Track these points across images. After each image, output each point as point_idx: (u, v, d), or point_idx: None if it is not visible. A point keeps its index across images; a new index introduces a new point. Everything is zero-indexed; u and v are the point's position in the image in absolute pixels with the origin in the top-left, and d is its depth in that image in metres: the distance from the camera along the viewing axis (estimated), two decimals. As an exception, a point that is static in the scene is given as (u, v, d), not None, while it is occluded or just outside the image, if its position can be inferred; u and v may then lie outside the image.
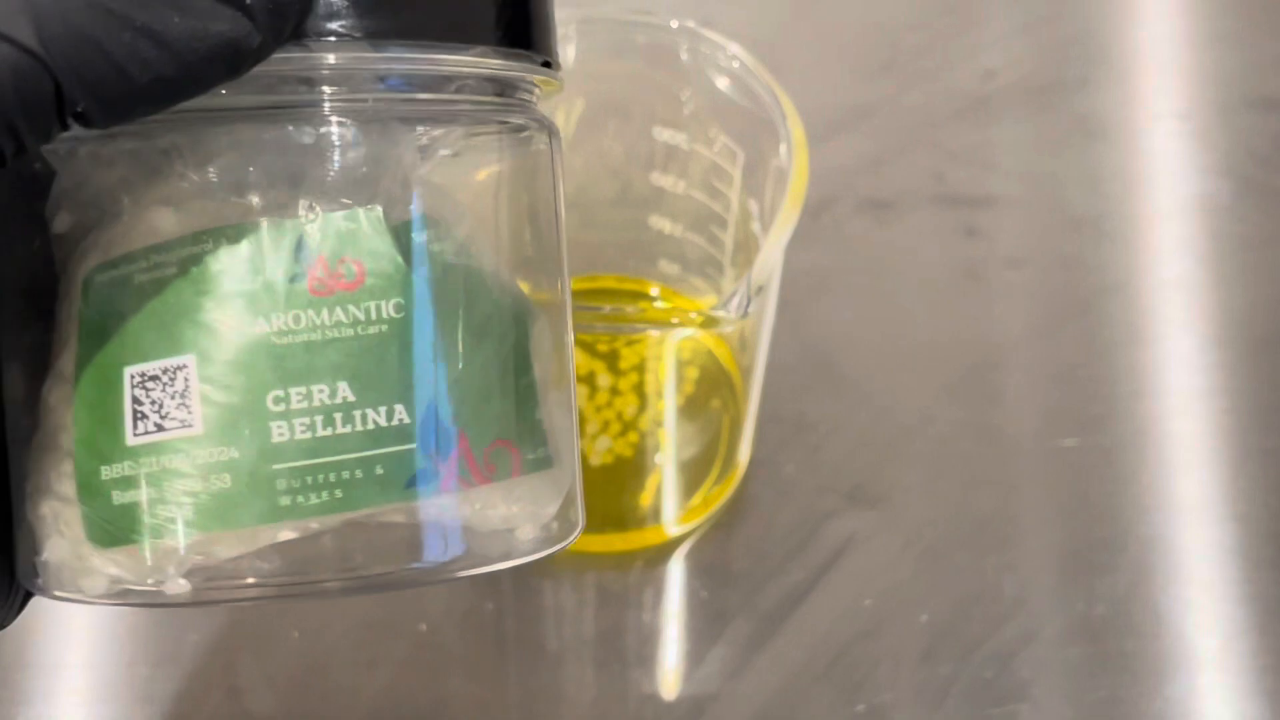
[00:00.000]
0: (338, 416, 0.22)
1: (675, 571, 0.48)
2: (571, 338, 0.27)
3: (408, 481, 0.22)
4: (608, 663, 0.46)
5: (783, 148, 0.42)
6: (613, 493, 0.48)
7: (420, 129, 0.24)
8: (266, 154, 0.23)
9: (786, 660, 0.46)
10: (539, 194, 0.26)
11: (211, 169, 0.23)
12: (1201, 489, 0.50)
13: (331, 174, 0.23)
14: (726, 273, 0.48)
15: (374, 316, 0.22)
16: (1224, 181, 0.60)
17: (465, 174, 0.25)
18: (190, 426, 0.22)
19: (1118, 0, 0.69)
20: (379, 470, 0.22)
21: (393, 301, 0.22)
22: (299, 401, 0.22)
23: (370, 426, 0.22)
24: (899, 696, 0.45)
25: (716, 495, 0.49)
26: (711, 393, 0.50)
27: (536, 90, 0.26)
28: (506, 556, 0.24)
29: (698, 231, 0.48)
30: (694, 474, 0.49)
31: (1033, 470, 0.51)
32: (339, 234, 0.23)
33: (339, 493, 0.22)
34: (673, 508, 0.49)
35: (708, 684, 0.45)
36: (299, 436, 0.22)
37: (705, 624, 0.47)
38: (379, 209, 0.23)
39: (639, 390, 0.47)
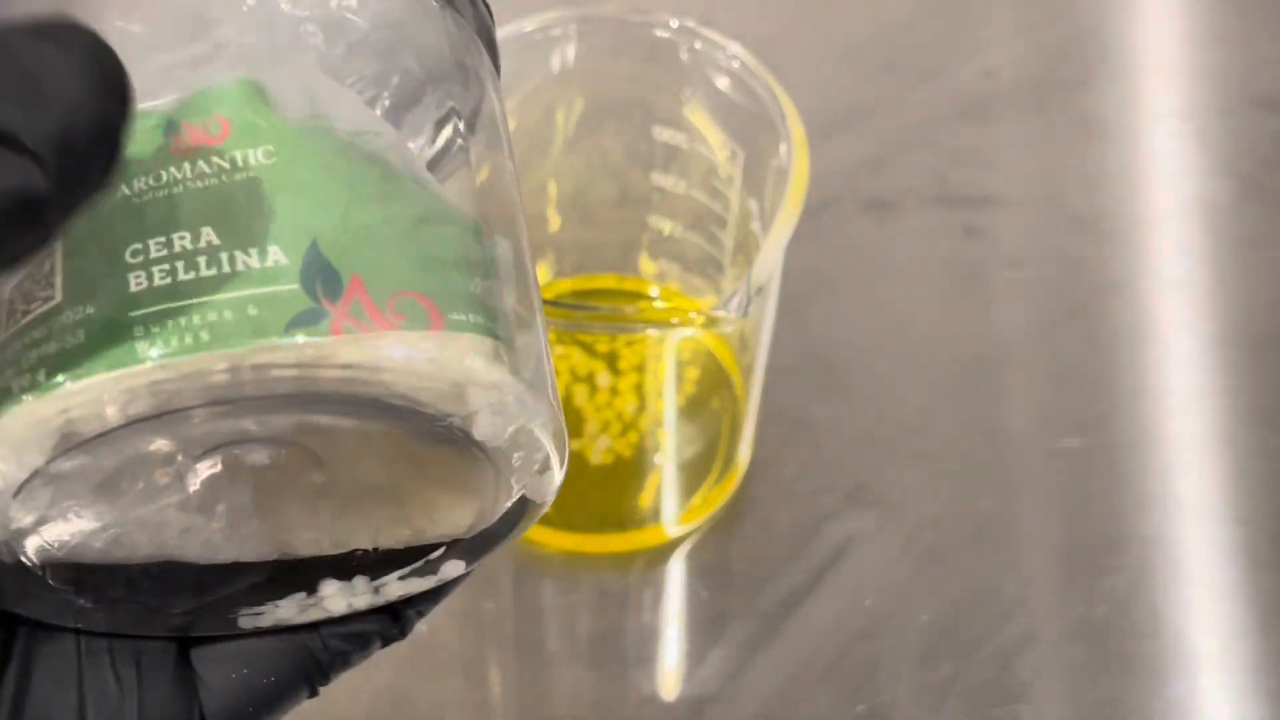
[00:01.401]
0: (201, 260, 0.21)
1: (675, 572, 0.48)
2: (530, 262, 0.25)
3: (289, 322, 0.21)
4: (607, 663, 0.46)
5: (783, 148, 0.42)
6: (613, 493, 0.48)
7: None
8: (158, 20, 0.22)
9: (786, 661, 0.46)
10: (471, 76, 0.25)
11: None
12: (1202, 489, 0.50)
13: (216, 50, 0.22)
14: (726, 273, 0.48)
15: (240, 164, 0.21)
16: (1224, 181, 0.60)
17: (378, 43, 0.24)
18: (52, 299, 0.21)
19: (1118, 0, 0.69)
20: (251, 310, 0.20)
21: (261, 148, 0.22)
22: (158, 250, 0.21)
23: (239, 268, 0.21)
24: (899, 697, 0.45)
25: (716, 495, 0.49)
26: (711, 393, 0.50)
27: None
28: (453, 407, 0.22)
29: (698, 231, 0.48)
30: (694, 474, 0.49)
31: (1033, 470, 0.51)
32: (206, 103, 0.22)
33: (205, 335, 0.20)
34: (673, 508, 0.49)
35: (707, 684, 0.45)
36: (158, 283, 0.21)
37: (705, 624, 0.47)
38: (246, 78, 0.22)
39: (639, 390, 0.47)
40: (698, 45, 0.45)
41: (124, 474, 0.22)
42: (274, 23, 0.23)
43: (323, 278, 0.21)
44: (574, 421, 0.47)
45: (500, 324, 0.23)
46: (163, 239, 0.21)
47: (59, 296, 0.21)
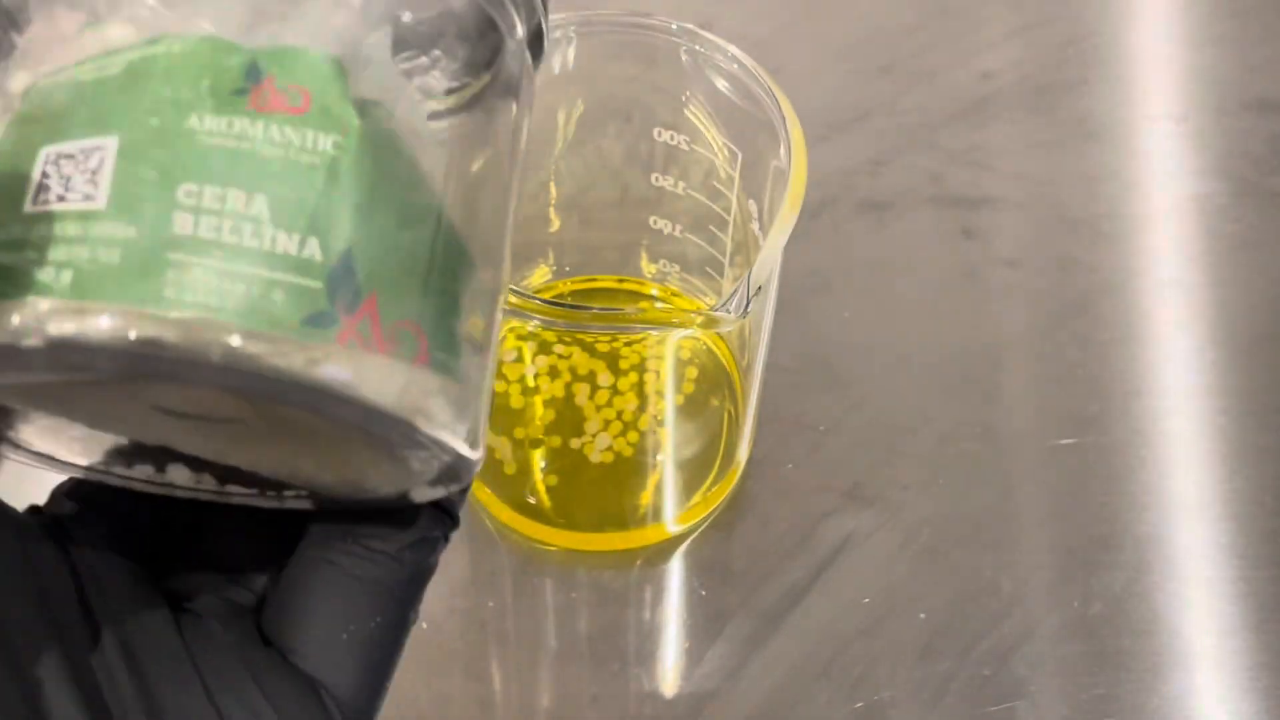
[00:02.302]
0: (247, 227, 0.21)
1: (675, 570, 0.48)
2: (503, 295, 0.26)
3: (305, 318, 0.21)
4: (607, 661, 0.46)
5: (782, 148, 0.42)
6: (613, 492, 0.48)
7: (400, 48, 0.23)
8: None
9: (785, 658, 0.46)
10: (516, 105, 0.26)
11: None
12: (1198, 487, 0.51)
13: (316, 14, 0.23)
14: (726, 273, 0.48)
15: (309, 145, 0.22)
16: (1220, 182, 0.60)
17: (453, 61, 0.25)
18: (93, 200, 0.21)
19: (1115, 2, 0.69)
20: (276, 295, 0.21)
21: (332, 138, 0.22)
22: (211, 201, 0.21)
23: (279, 250, 0.21)
24: (897, 694, 0.45)
25: (716, 494, 0.49)
26: (711, 392, 0.50)
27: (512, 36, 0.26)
28: (401, 441, 0.23)
29: (698, 232, 0.48)
30: (694, 473, 0.49)
31: (1030, 469, 0.51)
32: (295, 65, 0.22)
33: (229, 303, 0.21)
34: (672, 506, 0.49)
35: (707, 682, 0.46)
36: (202, 234, 0.21)
37: (704, 622, 0.47)
38: (341, 59, 0.22)
39: (639, 390, 0.47)
40: (697, 47, 0.45)
41: (89, 389, 0.22)
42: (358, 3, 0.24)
43: (346, 287, 0.21)
44: (574, 420, 0.47)
45: (464, 362, 0.24)
46: (219, 190, 0.21)
47: (101, 202, 0.21)
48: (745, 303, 0.38)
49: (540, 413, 0.48)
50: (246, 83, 0.22)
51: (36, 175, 0.21)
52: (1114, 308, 0.56)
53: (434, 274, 0.23)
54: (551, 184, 0.50)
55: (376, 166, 0.22)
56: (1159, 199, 0.60)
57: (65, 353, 0.20)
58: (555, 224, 0.51)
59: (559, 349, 0.47)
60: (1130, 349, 0.55)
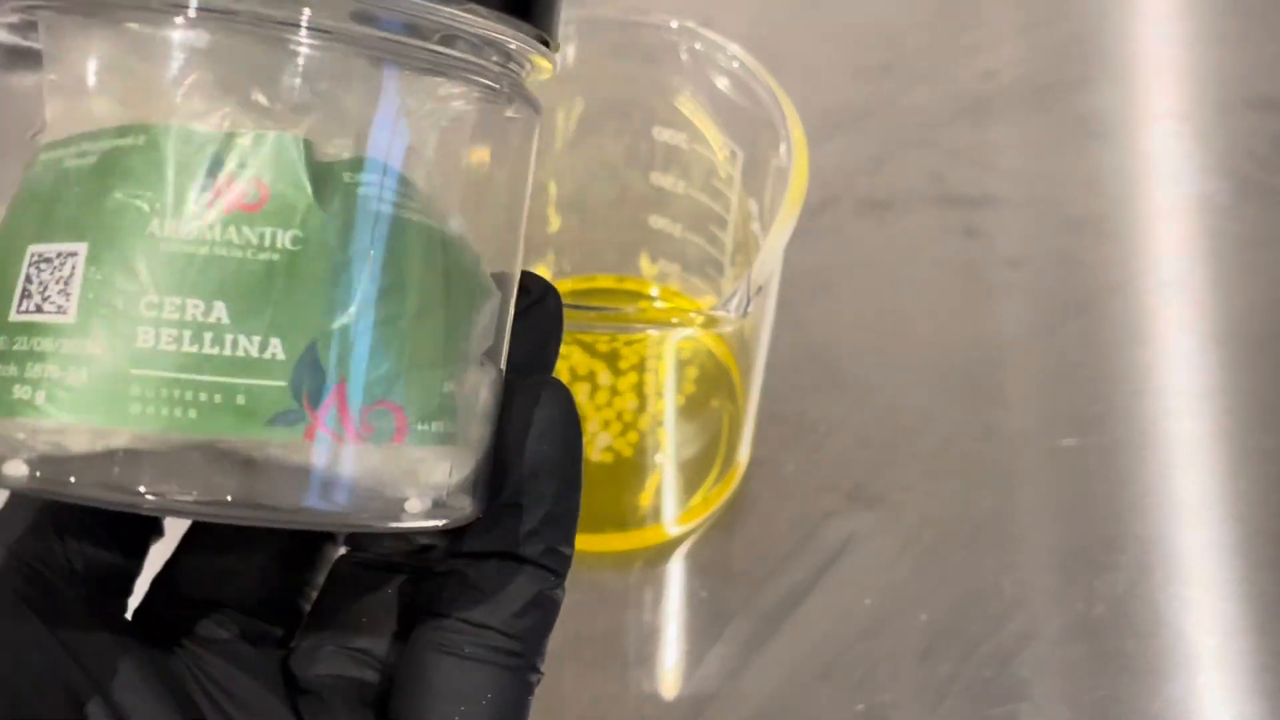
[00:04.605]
0: (207, 336, 0.21)
1: (675, 571, 0.48)
2: (509, 329, 0.26)
3: (270, 418, 0.21)
4: (607, 662, 0.46)
5: (783, 148, 0.42)
6: (613, 492, 0.48)
7: (389, 73, 0.23)
8: (219, 61, 0.22)
9: (786, 660, 0.46)
10: (512, 170, 0.26)
11: (161, 63, 0.22)
12: (1200, 488, 0.50)
13: (274, 95, 0.22)
14: (726, 273, 0.48)
15: (267, 243, 0.22)
16: (1223, 181, 0.60)
17: (438, 136, 0.25)
18: (64, 313, 0.21)
19: (1118, 1, 0.69)
20: (240, 400, 0.21)
21: (290, 233, 0.22)
22: (172, 312, 0.21)
23: (240, 354, 0.21)
24: (898, 696, 0.45)
25: (716, 495, 0.49)
26: (711, 392, 0.50)
27: (527, 65, 0.26)
28: (382, 519, 0.23)
29: (698, 231, 0.48)
30: (694, 473, 0.49)
31: (1032, 470, 0.51)
32: (254, 154, 0.22)
33: (193, 413, 0.21)
34: (673, 507, 0.49)
35: (707, 683, 0.45)
36: (164, 347, 0.21)
37: (705, 623, 0.47)
38: (302, 139, 0.22)
39: (639, 390, 0.47)
40: (697, 46, 0.45)
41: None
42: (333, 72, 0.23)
43: (310, 381, 0.22)
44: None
45: (461, 419, 0.24)
46: (178, 300, 0.21)
47: (71, 316, 0.21)
48: (745, 303, 0.38)
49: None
50: (207, 178, 0.22)
51: (21, 279, 0.22)
52: (1116, 307, 0.56)
53: (406, 347, 0.23)
54: (551, 183, 0.50)
55: (339, 252, 0.22)
56: (1161, 198, 0.60)
57: (40, 481, 0.21)
58: (555, 224, 0.51)
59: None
60: (1133, 349, 0.55)
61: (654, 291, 0.51)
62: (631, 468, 0.48)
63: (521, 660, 0.26)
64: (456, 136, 0.25)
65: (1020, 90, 0.64)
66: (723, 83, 0.45)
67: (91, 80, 0.23)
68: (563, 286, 0.52)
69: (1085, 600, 0.47)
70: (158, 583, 0.28)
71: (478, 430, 0.24)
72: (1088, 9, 0.68)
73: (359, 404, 0.22)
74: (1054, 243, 0.58)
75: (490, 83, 0.25)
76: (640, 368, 0.47)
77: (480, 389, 0.24)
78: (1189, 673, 0.46)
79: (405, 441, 0.23)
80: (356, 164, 0.23)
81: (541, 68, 0.26)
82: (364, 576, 0.27)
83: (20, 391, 0.21)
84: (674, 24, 0.45)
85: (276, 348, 0.22)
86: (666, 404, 0.48)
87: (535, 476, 0.25)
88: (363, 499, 0.23)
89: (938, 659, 0.46)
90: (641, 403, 0.47)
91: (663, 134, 0.47)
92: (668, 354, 0.47)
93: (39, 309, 0.22)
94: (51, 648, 0.24)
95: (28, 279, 0.22)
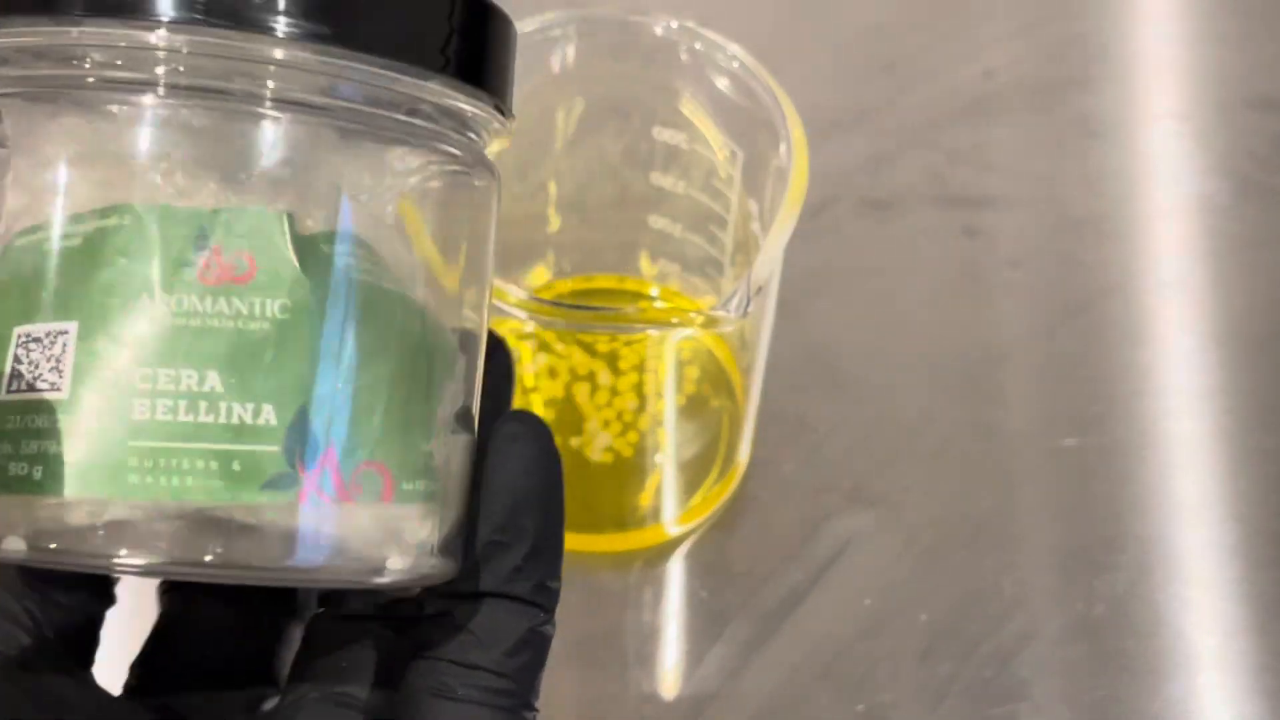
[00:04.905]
0: (202, 405, 0.22)
1: (675, 571, 0.48)
2: (479, 388, 0.26)
3: (264, 483, 0.22)
4: (608, 663, 0.46)
5: (783, 148, 0.42)
6: (612, 492, 0.48)
7: (357, 144, 0.24)
8: (194, 138, 0.23)
9: (786, 660, 0.46)
10: (474, 235, 0.26)
11: (138, 144, 0.23)
12: (1200, 488, 0.50)
13: (252, 170, 0.23)
14: (726, 273, 0.48)
15: (257, 313, 0.22)
16: (1223, 182, 0.60)
17: (401, 201, 0.25)
18: (58, 390, 0.22)
19: (1118, 0, 0.69)
20: (235, 466, 0.22)
21: (278, 302, 0.23)
22: (166, 383, 0.22)
23: (234, 421, 0.22)
24: (898, 696, 0.45)
25: (716, 495, 0.49)
26: (711, 392, 0.50)
27: (485, 133, 0.26)
28: (368, 578, 0.24)
29: (698, 231, 0.48)
30: (694, 473, 0.49)
31: (1032, 470, 0.51)
32: (239, 228, 0.23)
33: (190, 480, 0.22)
34: (673, 507, 0.49)
35: (707, 684, 0.45)
36: (160, 418, 0.22)
37: (705, 624, 0.47)
38: (285, 212, 0.23)
39: (639, 390, 0.47)
40: (697, 45, 0.45)
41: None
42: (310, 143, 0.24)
43: (302, 445, 0.22)
44: (574, 420, 0.47)
45: (440, 477, 0.24)
46: (172, 372, 0.22)
47: (65, 392, 0.22)
48: (745, 303, 0.38)
49: (540, 412, 0.48)
50: (194, 254, 0.22)
51: (10, 360, 0.22)
52: (1116, 307, 0.56)
53: (390, 409, 0.24)
54: (551, 183, 0.49)
55: (333, 321, 0.23)
56: (1161, 198, 0.60)
57: (37, 553, 0.22)
58: (555, 224, 0.51)
59: (559, 349, 0.47)
60: (1133, 349, 0.55)
61: (654, 291, 0.51)
62: (631, 468, 0.48)
63: (515, 699, 0.26)
64: (422, 204, 0.25)
65: (1020, 90, 0.64)
66: (723, 83, 0.45)
67: (66, 165, 0.23)
68: (563, 286, 0.52)
69: (1085, 600, 0.47)
70: (139, 661, 0.29)
71: (456, 487, 0.25)
72: (1088, 9, 0.68)
73: (349, 465, 0.23)
74: (1054, 243, 0.58)
75: (454, 150, 0.25)
76: (640, 368, 0.47)
77: (457, 446, 0.25)
78: (1189, 673, 0.46)
79: (392, 500, 0.23)
80: (330, 236, 0.23)
81: (498, 137, 0.27)
82: (342, 629, 0.27)
83: (16, 468, 0.22)
84: (674, 24, 0.45)
85: (269, 413, 0.22)
86: (666, 404, 0.48)
87: (519, 511, 0.26)
88: (348, 557, 0.23)
89: (938, 659, 0.46)
90: (641, 403, 0.47)
91: (663, 134, 0.47)
92: (668, 354, 0.47)
93: (31, 387, 0.22)
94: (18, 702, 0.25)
95: (16, 359, 0.22)
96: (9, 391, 0.22)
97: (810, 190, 0.41)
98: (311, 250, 0.23)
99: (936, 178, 0.60)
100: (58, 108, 0.23)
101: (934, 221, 0.58)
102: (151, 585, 0.30)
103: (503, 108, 0.26)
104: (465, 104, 0.25)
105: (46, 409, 0.22)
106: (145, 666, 0.29)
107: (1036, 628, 0.47)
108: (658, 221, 0.49)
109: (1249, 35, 0.66)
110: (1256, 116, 0.63)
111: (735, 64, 0.44)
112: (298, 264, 0.23)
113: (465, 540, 0.25)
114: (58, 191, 0.23)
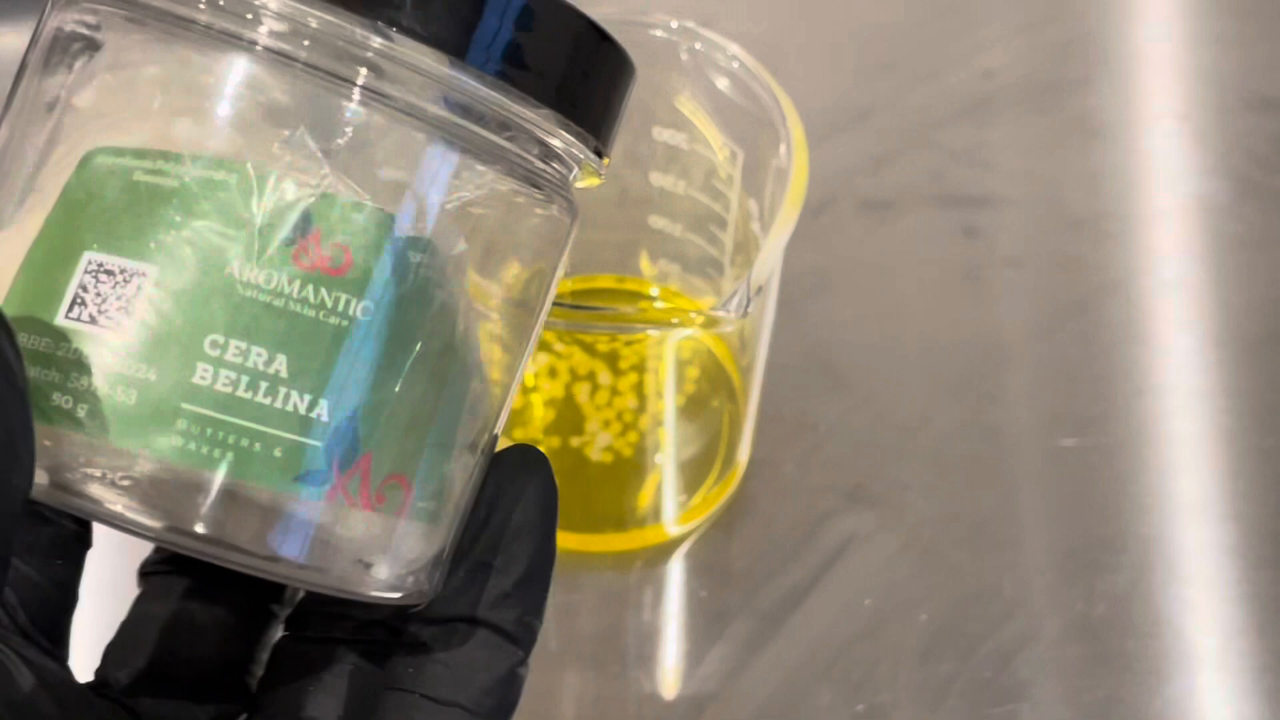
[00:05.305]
0: (263, 384, 0.22)
1: (675, 571, 0.48)
2: (506, 416, 0.26)
3: (298, 476, 0.22)
4: (608, 662, 0.46)
5: (783, 148, 0.42)
6: (613, 492, 0.48)
7: (462, 159, 0.24)
8: (316, 117, 0.22)
9: (786, 660, 0.46)
10: (542, 269, 0.26)
11: (259, 107, 0.22)
12: (1200, 488, 0.50)
13: (367, 163, 0.23)
14: (726, 273, 0.48)
15: (341, 308, 0.22)
16: (1222, 182, 0.60)
17: (482, 223, 0.25)
18: (123, 330, 0.21)
19: (1118, 1, 0.69)
20: (277, 453, 0.22)
21: (364, 302, 0.22)
22: (235, 355, 0.22)
23: (289, 409, 0.22)
24: (898, 696, 0.45)
25: (716, 495, 0.49)
26: (711, 392, 0.50)
27: (577, 170, 0.26)
28: (354, 588, 0.23)
29: (698, 231, 0.48)
30: (694, 473, 0.49)
31: (1032, 470, 0.51)
32: (345, 221, 0.22)
33: (231, 456, 0.21)
34: (672, 507, 0.49)
35: (707, 683, 0.45)
36: (219, 388, 0.21)
37: (705, 623, 0.47)
38: (391, 214, 0.23)
39: (639, 390, 0.47)
40: (697, 46, 0.45)
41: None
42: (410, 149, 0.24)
43: (344, 448, 0.22)
44: (574, 420, 0.47)
45: (445, 500, 0.24)
46: (243, 345, 0.22)
47: (130, 336, 0.22)
48: (745, 303, 0.38)
49: (540, 412, 0.48)
50: (294, 234, 0.22)
51: (74, 284, 0.22)
52: (1116, 307, 0.56)
53: (430, 428, 0.24)
54: (551, 183, 0.49)
55: (402, 330, 0.23)
56: (1161, 198, 0.60)
57: (56, 493, 0.21)
58: (555, 223, 0.51)
59: (559, 348, 0.47)
60: (1132, 349, 0.55)
61: (654, 291, 0.51)
62: (631, 468, 0.48)
63: None
64: (502, 228, 0.25)
65: (1021, 90, 0.64)
66: (723, 83, 0.45)
67: (175, 97, 0.23)
68: (563, 286, 0.52)
69: (1085, 600, 0.47)
70: (109, 651, 0.28)
71: (454, 511, 0.25)
72: (1088, 9, 0.68)
73: (379, 476, 0.23)
74: (1054, 242, 0.58)
75: (545, 181, 0.25)
76: (640, 368, 0.47)
77: (468, 473, 0.25)
78: (1189, 673, 0.46)
79: (406, 516, 0.23)
80: (421, 244, 0.23)
81: (590, 177, 0.27)
82: (309, 652, 0.27)
83: (60, 400, 0.21)
84: (674, 24, 0.45)
85: (323, 409, 0.22)
86: (666, 404, 0.48)
87: (515, 537, 0.25)
88: (354, 564, 0.23)
89: (938, 659, 0.46)
90: (641, 403, 0.47)
91: (663, 134, 0.47)
92: (668, 354, 0.47)
93: (93, 320, 0.22)
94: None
95: (82, 286, 0.22)
96: (67, 316, 0.22)
97: (810, 190, 0.41)
98: (402, 257, 0.23)
99: (936, 178, 0.60)
100: (193, 42, 0.22)
101: (934, 221, 0.58)
102: (131, 563, 0.29)
103: (602, 150, 0.26)
104: (569, 140, 0.25)
105: (107, 347, 0.21)
106: (114, 658, 0.28)
107: (1036, 628, 0.47)
108: (658, 221, 0.49)
109: (1248, 35, 0.66)
110: (1256, 116, 0.63)
111: (735, 64, 0.44)
112: (391, 268, 0.23)
113: (453, 562, 0.25)
114: (152, 119, 0.23)
